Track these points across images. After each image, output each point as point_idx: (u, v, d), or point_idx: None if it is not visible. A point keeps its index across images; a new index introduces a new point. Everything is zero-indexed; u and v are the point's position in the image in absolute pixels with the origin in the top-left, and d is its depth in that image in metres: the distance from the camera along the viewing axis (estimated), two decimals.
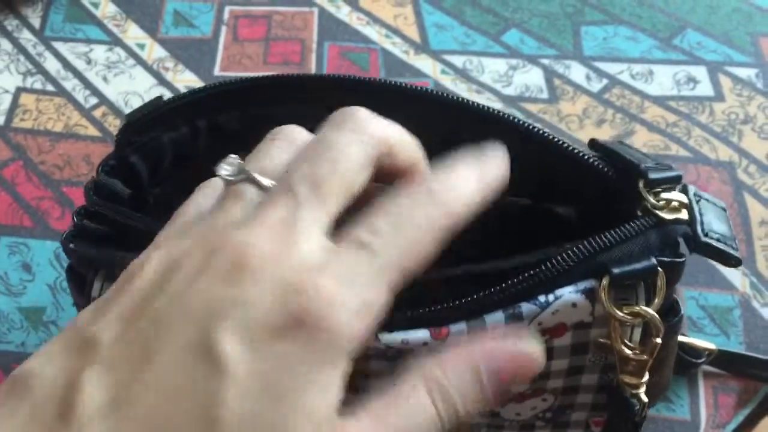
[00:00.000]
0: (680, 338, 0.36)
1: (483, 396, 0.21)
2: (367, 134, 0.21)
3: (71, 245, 0.29)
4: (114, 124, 0.51)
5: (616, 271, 0.24)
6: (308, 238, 0.19)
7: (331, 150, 0.21)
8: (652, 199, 0.26)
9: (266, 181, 0.21)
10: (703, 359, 0.39)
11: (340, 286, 0.19)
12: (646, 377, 0.27)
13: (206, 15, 0.58)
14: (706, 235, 0.25)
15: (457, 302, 0.25)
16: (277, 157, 0.22)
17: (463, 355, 0.21)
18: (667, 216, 0.26)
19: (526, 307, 0.25)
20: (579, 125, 0.50)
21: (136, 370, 0.18)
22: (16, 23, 0.58)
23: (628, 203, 0.27)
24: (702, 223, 0.26)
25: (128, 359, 0.18)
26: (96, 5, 0.59)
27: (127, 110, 0.52)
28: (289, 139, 0.23)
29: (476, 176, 0.22)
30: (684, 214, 0.26)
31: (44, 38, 0.57)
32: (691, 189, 0.27)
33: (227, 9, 0.58)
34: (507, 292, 0.25)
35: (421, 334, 0.25)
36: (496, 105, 0.51)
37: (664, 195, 0.26)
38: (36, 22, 0.58)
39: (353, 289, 0.19)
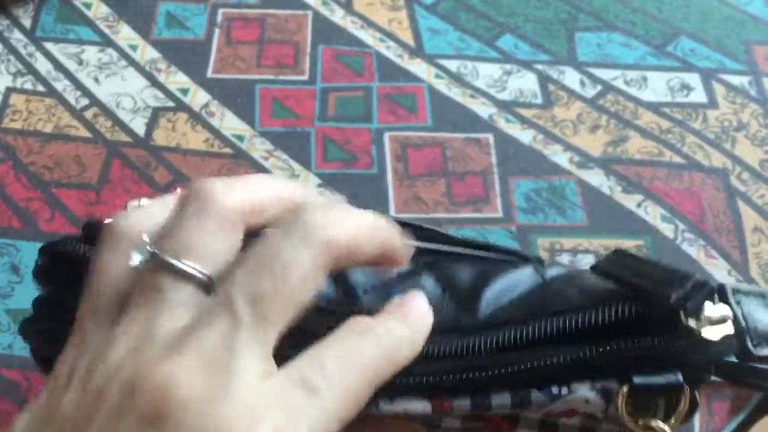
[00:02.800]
0: None
1: None
2: (317, 242, 0.19)
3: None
4: (105, 126, 0.51)
5: (638, 381, 0.22)
6: (246, 371, 0.17)
7: (277, 262, 0.18)
8: (693, 324, 0.23)
9: (190, 267, 0.19)
10: None
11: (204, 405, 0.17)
12: None
13: (199, 17, 0.57)
14: (756, 345, 0.23)
15: (465, 375, 0.23)
16: (199, 236, 0.19)
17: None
18: (713, 335, 0.22)
19: (536, 395, 0.23)
20: (573, 130, 0.50)
21: None
22: (7, 23, 0.57)
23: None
24: (749, 332, 0.23)
25: None
26: (88, 6, 0.58)
27: (119, 111, 0.51)
28: (212, 212, 0.20)
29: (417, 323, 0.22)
30: (729, 327, 0.23)
31: (35, 38, 0.56)
32: (729, 289, 0.24)
33: (220, 11, 0.58)
34: (519, 377, 0.23)
35: (421, 406, 0.24)
36: (491, 110, 0.51)
37: (706, 313, 0.23)
38: (27, 22, 0.57)
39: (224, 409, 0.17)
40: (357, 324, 0.20)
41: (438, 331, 0.23)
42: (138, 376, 0.17)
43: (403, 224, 0.24)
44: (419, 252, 0.26)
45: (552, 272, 0.27)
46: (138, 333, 0.18)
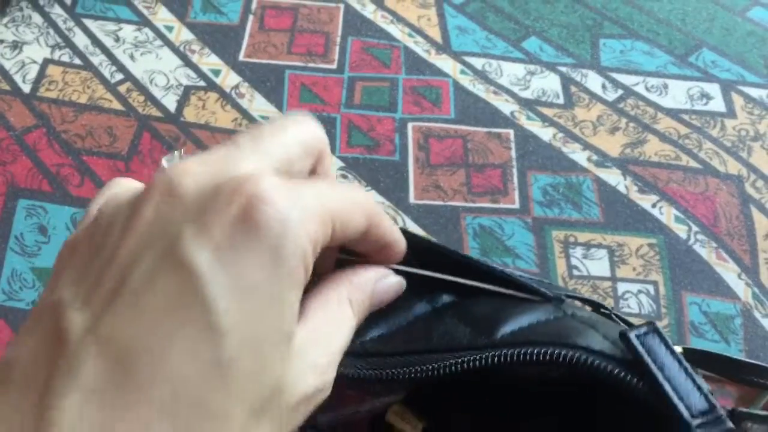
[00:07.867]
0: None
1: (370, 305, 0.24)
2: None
3: None
4: (138, 100, 0.52)
5: None
6: (251, 164, 0.19)
7: (274, 125, 0.21)
8: None
9: None
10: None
11: (287, 198, 0.18)
12: None
13: (234, 3, 0.59)
14: None
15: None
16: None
17: (366, 283, 0.23)
18: None
19: None
20: (593, 131, 0.51)
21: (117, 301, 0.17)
22: None
23: None
24: None
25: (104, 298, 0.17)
26: None
27: (152, 88, 0.53)
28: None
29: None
30: None
31: (75, 14, 0.58)
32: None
33: None
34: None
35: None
36: (513, 107, 0.52)
37: None
38: None
39: (301, 203, 0.18)
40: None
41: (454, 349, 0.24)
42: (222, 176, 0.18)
43: (422, 245, 0.25)
44: (438, 283, 0.26)
45: (570, 310, 0.26)
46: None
